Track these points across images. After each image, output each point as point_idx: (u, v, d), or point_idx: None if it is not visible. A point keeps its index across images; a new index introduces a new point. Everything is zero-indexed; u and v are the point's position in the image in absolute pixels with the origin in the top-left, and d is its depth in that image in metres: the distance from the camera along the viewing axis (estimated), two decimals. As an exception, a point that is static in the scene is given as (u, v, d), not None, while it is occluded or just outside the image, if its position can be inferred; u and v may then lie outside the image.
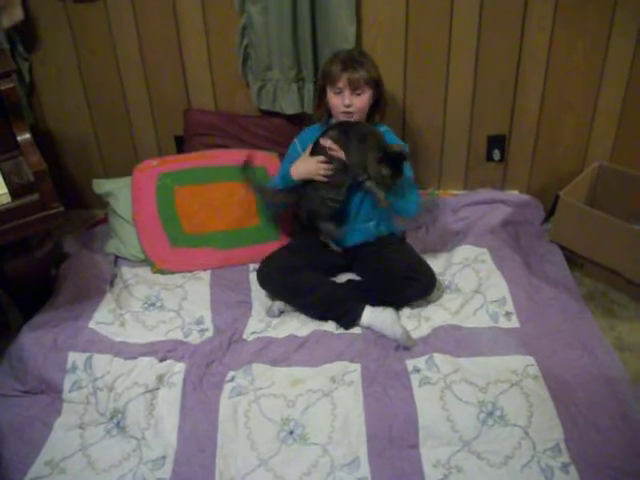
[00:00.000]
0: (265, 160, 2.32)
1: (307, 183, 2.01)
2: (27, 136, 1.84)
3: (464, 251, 2.20)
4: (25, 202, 1.79)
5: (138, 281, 2.17)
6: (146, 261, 2.25)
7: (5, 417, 1.73)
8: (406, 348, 1.83)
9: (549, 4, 2.14)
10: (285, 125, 2.42)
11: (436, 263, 2.12)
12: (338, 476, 1.54)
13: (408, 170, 1.99)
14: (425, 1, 2.19)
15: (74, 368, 1.80)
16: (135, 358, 1.83)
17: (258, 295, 2.10)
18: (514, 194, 2.49)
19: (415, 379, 1.72)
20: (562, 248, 2.24)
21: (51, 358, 1.82)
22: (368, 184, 1.94)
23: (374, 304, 1.94)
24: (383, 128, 2.08)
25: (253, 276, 2.15)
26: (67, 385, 1.78)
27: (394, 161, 1.86)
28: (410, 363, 1.77)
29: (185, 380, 1.75)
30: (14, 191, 1.78)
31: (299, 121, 2.41)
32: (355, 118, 2.00)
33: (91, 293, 2.07)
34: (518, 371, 1.71)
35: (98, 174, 2.58)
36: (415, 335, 1.87)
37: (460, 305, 1.97)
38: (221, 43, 2.34)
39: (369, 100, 2.01)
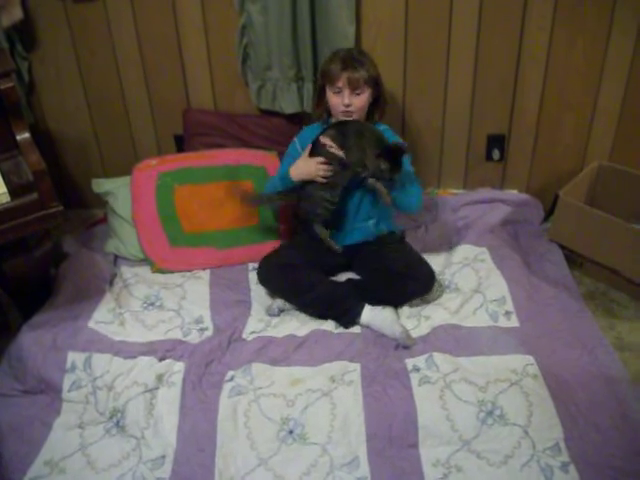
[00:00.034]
0: (264, 159, 2.32)
1: (307, 183, 2.01)
2: (26, 135, 1.84)
3: (464, 250, 2.20)
4: (24, 201, 1.79)
5: (137, 280, 2.17)
6: (145, 260, 2.25)
7: (5, 417, 1.73)
8: (406, 347, 1.83)
9: (549, 3, 2.14)
10: (284, 124, 2.42)
11: (436, 262, 2.12)
12: (338, 476, 1.54)
13: (408, 165, 1.99)
14: (425, 0, 2.18)
15: (73, 367, 1.80)
16: (134, 357, 1.82)
17: (257, 294, 2.10)
18: (514, 193, 2.49)
19: (415, 378, 1.72)
20: (562, 247, 2.24)
21: (50, 358, 1.82)
22: (370, 181, 1.94)
23: (373, 303, 1.94)
24: (382, 127, 2.08)
25: (252, 275, 2.16)
26: (66, 385, 1.78)
27: (393, 155, 1.87)
28: (410, 362, 1.77)
29: (184, 379, 1.75)
30: (13, 190, 1.78)
31: (298, 120, 2.41)
32: (354, 117, 2.00)
33: (90, 292, 2.07)
34: (518, 370, 1.71)
35: (97, 173, 2.58)
36: (415, 334, 1.87)
37: (460, 304, 1.97)
38: (221, 42, 2.34)
39: (368, 99, 2.01)
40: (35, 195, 1.79)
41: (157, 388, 1.74)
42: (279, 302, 2.02)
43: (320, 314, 1.97)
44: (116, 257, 2.31)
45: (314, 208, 2.00)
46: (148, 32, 2.34)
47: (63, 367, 1.80)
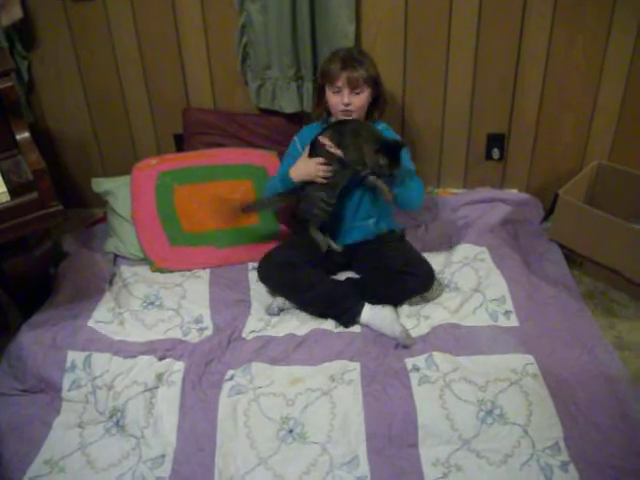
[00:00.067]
0: (264, 159, 2.32)
1: (306, 184, 2.01)
2: (26, 135, 1.84)
3: (463, 250, 2.20)
4: (24, 201, 1.79)
5: (137, 280, 2.17)
6: (145, 260, 2.25)
7: (4, 416, 1.73)
8: (405, 347, 1.83)
9: (548, 2, 2.14)
10: (284, 124, 2.42)
11: (435, 261, 2.12)
12: (337, 475, 1.54)
13: (408, 161, 1.99)
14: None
15: (73, 367, 1.80)
16: (134, 357, 1.82)
17: (257, 294, 2.10)
18: (513, 193, 2.49)
19: (414, 378, 1.72)
20: (561, 247, 2.24)
21: (50, 357, 1.82)
22: (371, 179, 1.94)
23: (373, 301, 1.94)
24: (381, 125, 2.08)
25: (252, 275, 2.16)
26: (66, 384, 1.78)
27: (391, 150, 1.87)
28: (409, 362, 1.77)
29: (184, 379, 1.75)
30: (13, 190, 1.78)
31: (298, 120, 2.41)
32: (354, 117, 2.00)
33: (90, 292, 2.07)
34: (517, 370, 1.71)
35: (97, 173, 2.58)
36: (414, 334, 1.87)
37: (459, 304, 1.97)
38: (220, 42, 2.34)
39: (368, 99, 2.01)
40: (35, 194, 1.79)
41: (157, 387, 1.74)
42: (279, 301, 2.02)
43: (320, 313, 1.97)
44: (116, 256, 2.30)
45: (311, 208, 2.00)
46: (148, 31, 2.34)
47: (63, 366, 1.80)
